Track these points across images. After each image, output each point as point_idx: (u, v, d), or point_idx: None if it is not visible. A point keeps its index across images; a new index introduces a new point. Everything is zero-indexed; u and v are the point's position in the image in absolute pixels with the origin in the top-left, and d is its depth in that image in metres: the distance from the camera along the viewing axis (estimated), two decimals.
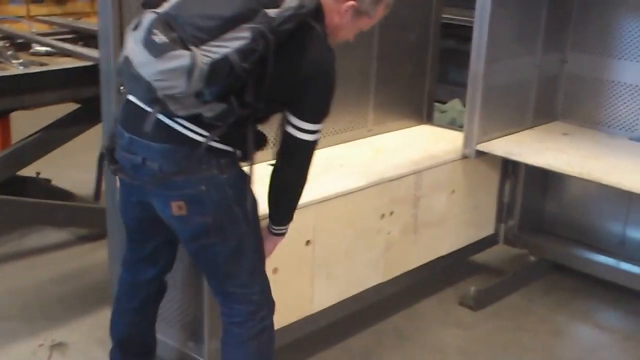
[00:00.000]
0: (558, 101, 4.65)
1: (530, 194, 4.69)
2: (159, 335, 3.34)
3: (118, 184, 3.01)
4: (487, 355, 3.92)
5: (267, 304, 3.01)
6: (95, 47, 3.81)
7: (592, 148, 4.22)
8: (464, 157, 4.19)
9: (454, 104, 6.35)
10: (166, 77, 2.50)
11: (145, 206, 2.85)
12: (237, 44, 2.50)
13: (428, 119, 4.77)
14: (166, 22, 2.54)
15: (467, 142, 4.16)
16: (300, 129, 2.74)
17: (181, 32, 2.52)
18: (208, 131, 2.65)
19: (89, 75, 3.95)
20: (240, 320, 2.92)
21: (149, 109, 2.63)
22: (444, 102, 6.29)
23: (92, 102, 3.81)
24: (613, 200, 4.46)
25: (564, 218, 4.75)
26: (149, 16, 2.58)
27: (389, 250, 3.91)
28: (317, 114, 2.76)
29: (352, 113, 4.30)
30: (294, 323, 3.55)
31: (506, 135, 4.33)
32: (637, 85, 4.36)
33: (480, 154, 4.16)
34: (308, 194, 3.26)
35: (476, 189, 4.38)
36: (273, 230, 3.00)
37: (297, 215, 3.12)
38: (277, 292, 3.35)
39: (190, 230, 2.80)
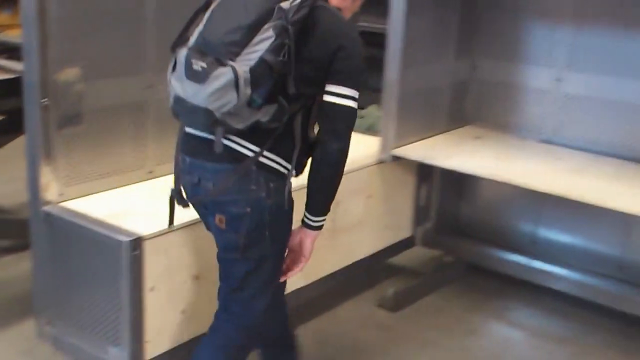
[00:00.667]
0: (470, 106, 4.81)
1: (445, 197, 4.85)
2: (74, 341, 3.42)
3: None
4: (405, 354, 4.03)
5: (254, 332, 3.10)
6: (19, 59, 3.85)
7: (502, 151, 4.37)
8: (380, 162, 4.32)
9: (372, 110, 6.47)
10: (218, 96, 2.66)
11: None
12: (266, 44, 2.66)
13: None
14: (199, 50, 2.72)
15: (383, 147, 4.30)
16: (342, 95, 2.82)
17: (215, 53, 2.68)
18: (259, 147, 2.81)
19: (13, 87, 3.95)
20: (225, 327, 3.06)
21: (211, 136, 2.79)
22: (362, 109, 6.42)
23: (16, 114, 3.83)
24: (524, 201, 4.64)
25: (478, 219, 4.92)
26: (182, 52, 2.77)
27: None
28: (354, 78, 2.85)
29: None
30: None
31: (421, 139, 4.47)
32: (543, 89, 4.54)
33: (396, 158, 4.30)
34: None
35: (393, 193, 4.51)
36: (312, 224, 2.99)
37: None
38: (199, 299, 3.47)
39: (222, 242, 2.97)
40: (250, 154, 2.81)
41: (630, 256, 4.38)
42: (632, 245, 4.38)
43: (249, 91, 2.66)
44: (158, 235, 3.26)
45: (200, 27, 2.79)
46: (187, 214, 3.36)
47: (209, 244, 3.40)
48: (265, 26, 2.68)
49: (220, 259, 3.01)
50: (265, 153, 2.82)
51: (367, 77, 2.93)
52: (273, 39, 2.66)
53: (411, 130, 4.41)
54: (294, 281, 3.95)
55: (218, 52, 2.68)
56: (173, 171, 3.03)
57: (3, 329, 4.03)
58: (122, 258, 3.17)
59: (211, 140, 2.79)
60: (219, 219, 2.89)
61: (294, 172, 2.92)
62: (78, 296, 3.44)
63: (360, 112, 6.32)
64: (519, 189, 4.03)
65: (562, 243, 4.60)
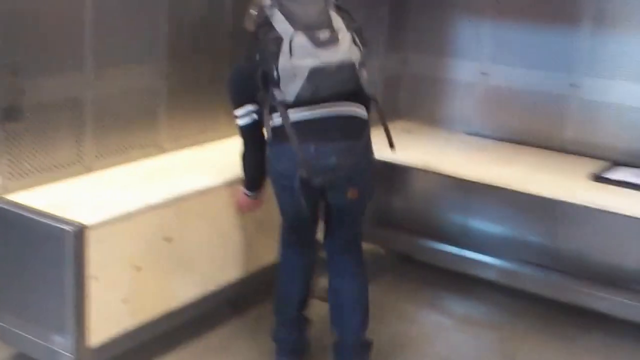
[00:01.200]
0: (400, 100, 4.98)
1: (378, 190, 4.98)
2: (20, 332, 3.52)
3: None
4: None
5: None
6: None
7: (432, 143, 4.55)
8: None
9: None
10: (351, 51, 3.32)
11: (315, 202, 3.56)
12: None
13: None
14: (310, 28, 3.29)
15: None
16: None
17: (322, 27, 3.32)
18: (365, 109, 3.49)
19: None
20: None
21: (343, 111, 3.40)
22: None
23: None
24: (454, 192, 4.80)
25: (411, 212, 5.06)
26: (294, 37, 3.27)
27: (246, 245, 4.15)
28: None
29: (204, 117, 4.56)
30: (154, 320, 3.72)
31: None
32: (470, 83, 4.74)
33: None
34: (167, 192, 3.58)
35: None
36: None
37: (156, 212, 3.43)
38: (140, 289, 3.57)
39: (359, 207, 3.61)
40: (365, 116, 3.50)
41: (557, 244, 4.56)
42: (558, 234, 4.57)
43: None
44: (101, 225, 3.36)
45: (285, 25, 3.29)
46: (130, 204, 3.52)
47: (152, 235, 3.56)
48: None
49: (353, 220, 3.66)
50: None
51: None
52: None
53: None
54: (233, 272, 4.13)
55: (323, 26, 3.30)
56: (286, 165, 3.43)
57: None
58: (66, 247, 3.27)
59: (341, 120, 3.38)
60: (352, 192, 3.45)
61: None
62: (23, 287, 3.52)
63: None
64: (450, 181, 4.22)
65: (491, 233, 4.78)
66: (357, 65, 3.33)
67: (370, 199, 3.65)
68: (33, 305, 3.51)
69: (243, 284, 4.22)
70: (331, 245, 3.75)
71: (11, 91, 3.50)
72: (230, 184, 3.97)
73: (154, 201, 3.62)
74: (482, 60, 4.70)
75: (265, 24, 3.35)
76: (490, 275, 4.64)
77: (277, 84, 3.31)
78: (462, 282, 4.79)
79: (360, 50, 3.37)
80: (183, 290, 3.85)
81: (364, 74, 3.41)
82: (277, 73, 3.28)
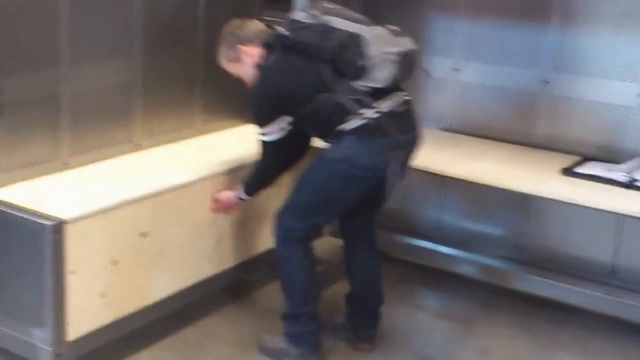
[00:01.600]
0: None
1: None
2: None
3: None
4: None
5: None
6: None
7: None
8: None
9: None
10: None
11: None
12: None
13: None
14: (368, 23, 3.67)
15: None
16: None
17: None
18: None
19: None
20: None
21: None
22: None
23: None
24: (429, 187, 4.83)
25: (386, 208, 5.11)
26: (369, 29, 3.62)
27: (221, 242, 4.22)
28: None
29: (180, 113, 4.62)
30: (132, 314, 3.79)
31: None
32: (444, 79, 4.82)
33: None
34: (143, 188, 3.66)
35: None
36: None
37: (132, 207, 3.54)
38: (117, 284, 3.63)
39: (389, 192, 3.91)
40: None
41: (529, 239, 4.59)
42: (531, 228, 4.61)
43: None
44: (79, 220, 3.42)
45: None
46: (107, 199, 3.57)
47: (128, 230, 3.61)
48: None
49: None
50: None
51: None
52: None
53: None
54: (208, 268, 4.20)
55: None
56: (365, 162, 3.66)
57: None
58: (45, 242, 3.33)
59: (405, 105, 3.71)
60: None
61: None
62: (3, 282, 3.57)
63: None
64: (424, 176, 4.29)
65: (465, 228, 4.84)
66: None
67: None
68: (14, 300, 3.56)
69: (218, 279, 4.29)
70: (358, 228, 4.11)
71: None
72: (205, 179, 4.05)
73: (129, 196, 3.68)
74: (454, 57, 4.78)
75: (325, 29, 3.60)
76: (465, 270, 4.71)
77: (359, 75, 3.57)
78: (437, 277, 4.85)
79: None
80: (160, 284, 3.91)
81: None
82: (365, 63, 3.55)
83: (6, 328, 3.58)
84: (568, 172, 4.34)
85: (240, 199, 4.00)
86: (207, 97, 4.75)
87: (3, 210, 3.47)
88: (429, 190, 4.83)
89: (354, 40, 3.57)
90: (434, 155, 4.40)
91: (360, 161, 3.64)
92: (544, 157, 4.60)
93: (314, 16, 3.65)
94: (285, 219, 3.82)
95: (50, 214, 3.39)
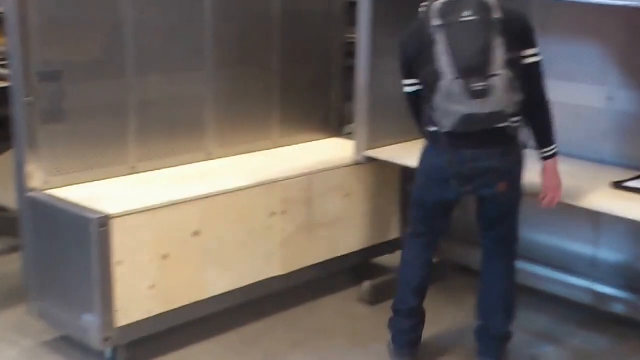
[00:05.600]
0: None
1: None
2: (56, 312, 4.19)
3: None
4: (374, 339, 4.55)
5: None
6: None
7: None
8: (357, 163, 4.92)
9: None
10: (504, 99, 3.81)
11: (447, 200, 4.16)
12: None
13: (337, 133, 5.58)
14: (466, 71, 3.75)
15: (356, 149, 4.90)
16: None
17: (479, 74, 3.77)
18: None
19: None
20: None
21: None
22: None
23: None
24: None
25: (465, 222, 5.35)
26: (450, 80, 3.75)
27: (284, 245, 4.66)
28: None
29: (258, 125, 5.13)
30: (183, 307, 4.27)
31: (397, 143, 5.02)
32: None
33: (371, 160, 4.89)
34: (194, 191, 4.20)
35: (373, 193, 5.10)
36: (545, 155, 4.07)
37: (183, 207, 4.05)
38: (167, 277, 4.14)
39: (510, 200, 4.08)
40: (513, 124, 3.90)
41: None
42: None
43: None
44: (124, 215, 3.96)
45: (446, 60, 3.75)
46: (158, 198, 4.11)
47: (178, 228, 4.13)
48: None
49: (506, 214, 4.15)
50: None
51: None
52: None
53: (385, 133, 4.96)
54: (269, 270, 4.65)
55: (480, 73, 3.72)
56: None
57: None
58: (91, 234, 3.89)
59: (492, 131, 3.83)
60: (503, 185, 3.96)
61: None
62: (58, 271, 4.16)
63: None
64: None
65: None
66: (507, 112, 3.81)
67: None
68: (68, 288, 4.13)
69: (279, 282, 4.70)
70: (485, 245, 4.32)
71: (54, 95, 4.13)
72: (261, 185, 4.53)
73: (180, 197, 4.18)
74: None
75: (429, 41, 3.81)
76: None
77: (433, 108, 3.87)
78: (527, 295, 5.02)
79: (514, 91, 3.80)
80: (214, 281, 4.37)
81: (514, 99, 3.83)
82: (433, 105, 3.84)
83: (63, 314, 4.16)
84: None
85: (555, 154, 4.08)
86: (286, 110, 5.23)
87: (59, 206, 4.06)
88: None
89: (435, 79, 3.83)
90: None
91: (431, 160, 4.14)
92: None
93: (440, 26, 3.83)
94: None
95: (98, 209, 3.94)
